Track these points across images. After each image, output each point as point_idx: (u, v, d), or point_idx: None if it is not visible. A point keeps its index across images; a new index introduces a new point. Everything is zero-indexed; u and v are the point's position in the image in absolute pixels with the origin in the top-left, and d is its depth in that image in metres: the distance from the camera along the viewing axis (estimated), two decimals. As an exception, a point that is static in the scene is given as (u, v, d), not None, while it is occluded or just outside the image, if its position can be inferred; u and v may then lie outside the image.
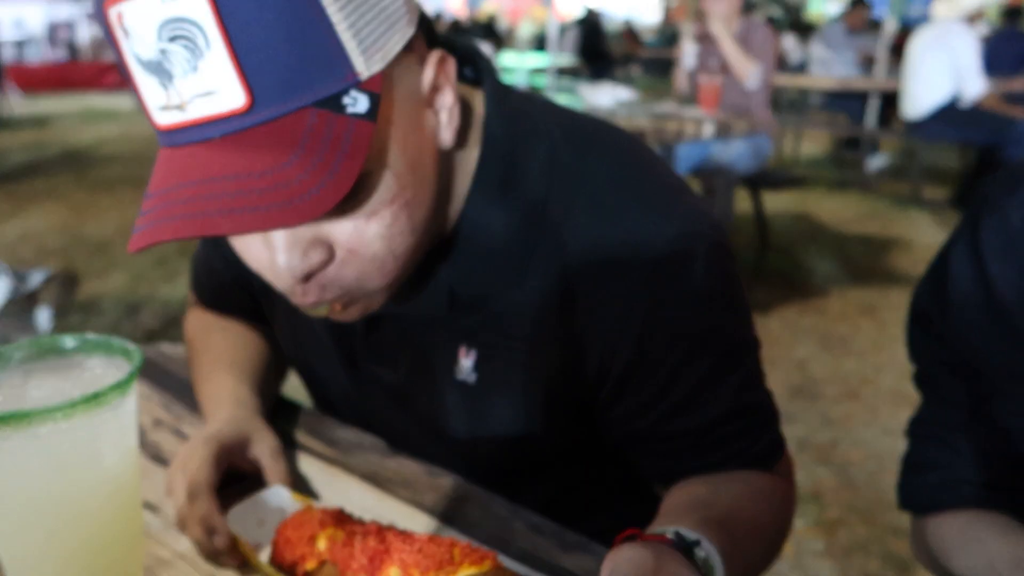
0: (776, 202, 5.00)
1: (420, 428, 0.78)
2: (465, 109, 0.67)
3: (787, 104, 7.91)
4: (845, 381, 2.87)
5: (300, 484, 0.76)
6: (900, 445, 0.81)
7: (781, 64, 7.96)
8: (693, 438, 0.69)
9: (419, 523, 0.70)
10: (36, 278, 2.43)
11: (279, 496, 0.70)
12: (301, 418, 0.88)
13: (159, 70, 0.50)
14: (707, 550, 0.54)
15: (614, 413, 0.71)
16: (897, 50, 6.98)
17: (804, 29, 12.38)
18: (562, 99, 3.64)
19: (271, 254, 0.58)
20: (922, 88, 4.93)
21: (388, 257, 0.60)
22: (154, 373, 0.99)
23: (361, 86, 0.52)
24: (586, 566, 0.64)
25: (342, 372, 0.81)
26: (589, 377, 0.70)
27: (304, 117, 0.51)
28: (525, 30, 16.53)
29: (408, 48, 0.58)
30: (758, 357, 0.72)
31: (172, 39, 0.48)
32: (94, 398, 0.48)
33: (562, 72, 8.82)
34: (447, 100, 0.62)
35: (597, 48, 11.17)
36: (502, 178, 0.67)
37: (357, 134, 0.52)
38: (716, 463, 0.70)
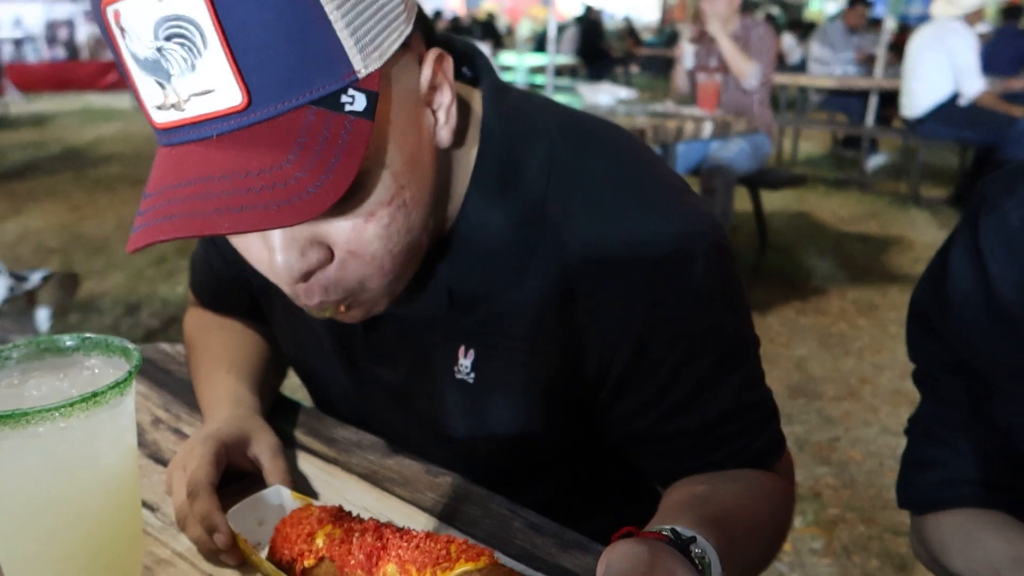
0: (775, 201, 5.00)
1: (420, 428, 0.78)
2: (463, 108, 0.67)
3: (786, 103, 7.91)
4: (844, 380, 2.87)
5: (300, 483, 0.76)
6: (899, 444, 0.81)
7: (780, 63, 7.97)
8: (693, 438, 0.69)
9: (418, 522, 0.70)
10: (35, 277, 2.42)
11: (279, 495, 0.70)
12: (301, 417, 0.88)
13: (156, 69, 0.50)
14: (703, 547, 0.54)
15: (614, 413, 0.71)
16: (896, 49, 7.00)
17: (803, 28, 12.41)
18: (561, 98, 3.64)
19: (269, 253, 0.58)
20: (921, 87, 4.94)
21: (387, 256, 0.60)
22: (153, 372, 0.99)
23: (359, 84, 0.52)
24: (585, 565, 0.64)
25: (342, 372, 0.81)
26: (589, 377, 0.70)
27: (302, 116, 0.51)
28: (524, 29, 16.55)
29: (406, 46, 0.58)
30: (758, 356, 0.72)
31: (169, 38, 0.48)
32: (93, 397, 0.48)
33: (561, 71, 8.82)
34: (445, 99, 0.62)
35: (596, 47, 11.18)
36: (501, 177, 0.67)
37: (355, 133, 0.52)
38: (716, 462, 0.70)
